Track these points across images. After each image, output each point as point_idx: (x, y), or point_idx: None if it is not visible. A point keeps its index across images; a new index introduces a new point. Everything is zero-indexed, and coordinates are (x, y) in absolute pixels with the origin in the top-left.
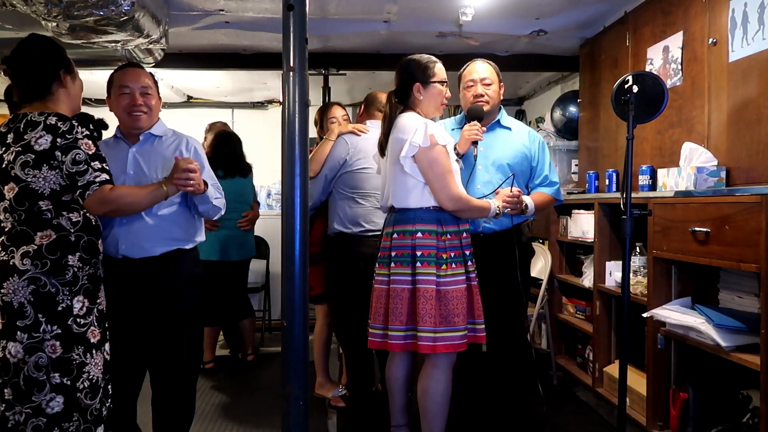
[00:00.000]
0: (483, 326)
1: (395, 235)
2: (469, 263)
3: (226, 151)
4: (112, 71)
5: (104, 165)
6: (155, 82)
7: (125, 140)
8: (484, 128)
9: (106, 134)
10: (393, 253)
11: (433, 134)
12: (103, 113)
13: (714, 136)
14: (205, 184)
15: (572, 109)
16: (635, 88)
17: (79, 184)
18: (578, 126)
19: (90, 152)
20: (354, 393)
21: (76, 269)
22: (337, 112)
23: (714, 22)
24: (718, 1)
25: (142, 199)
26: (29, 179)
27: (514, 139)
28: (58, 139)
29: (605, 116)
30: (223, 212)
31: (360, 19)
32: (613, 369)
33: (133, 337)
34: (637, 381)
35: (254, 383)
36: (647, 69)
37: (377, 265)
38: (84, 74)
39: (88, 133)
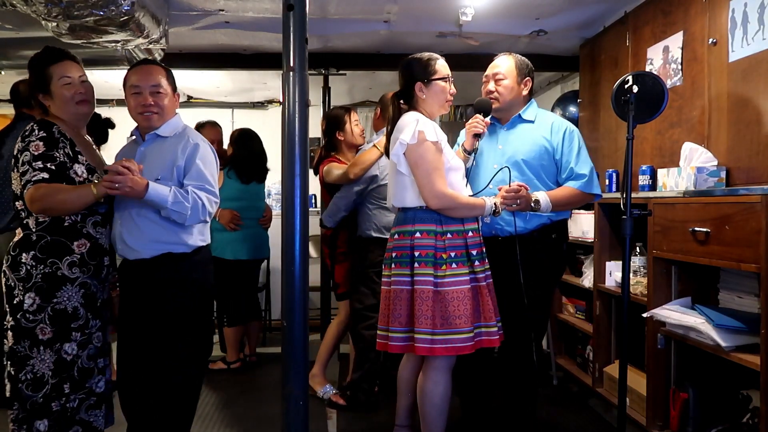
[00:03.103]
0: (496, 329)
1: (396, 236)
2: (477, 263)
3: (244, 155)
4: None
5: (48, 164)
6: (169, 78)
7: (141, 137)
8: (488, 121)
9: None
10: (394, 254)
11: (422, 131)
12: (102, 113)
13: (714, 136)
14: (147, 187)
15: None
16: (635, 88)
17: (22, 184)
18: (578, 126)
19: (36, 153)
20: (360, 392)
21: (29, 267)
22: (356, 116)
23: (714, 22)
24: (718, 1)
25: (68, 198)
26: (13, 181)
27: (534, 133)
28: (21, 143)
29: (605, 116)
30: (198, 218)
31: (360, 19)
32: (613, 369)
33: (130, 336)
34: (637, 381)
35: (254, 383)
36: (647, 69)
37: (383, 266)
38: None
39: (44, 134)
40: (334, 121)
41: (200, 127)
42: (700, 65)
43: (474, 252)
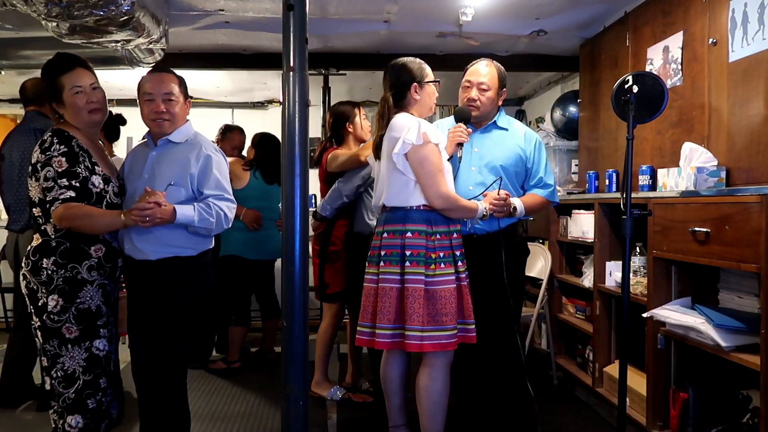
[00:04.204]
0: (473, 326)
1: (385, 234)
2: (459, 263)
3: (267, 157)
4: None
5: (72, 182)
6: (182, 85)
7: (153, 143)
8: (470, 130)
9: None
10: (382, 252)
11: (426, 132)
12: None
13: (714, 136)
14: (174, 212)
15: (572, 109)
16: (635, 88)
17: (47, 199)
18: (578, 126)
19: (60, 169)
20: (376, 390)
21: (50, 271)
22: (363, 111)
23: (714, 22)
24: (718, 1)
25: (97, 224)
26: (29, 188)
27: (510, 141)
28: (41, 155)
29: (605, 116)
30: (222, 228)
31: (360, 19)
32: (613, 369)
33: (137, 335)
34: (637, 381)
35: (254, 383)
36: (647, 69)
37: (367, 264)
38: None
39: (65, 150)
40: (343, 114)
41: (228, 130)
42: (700, 65)
43: (458, 252)
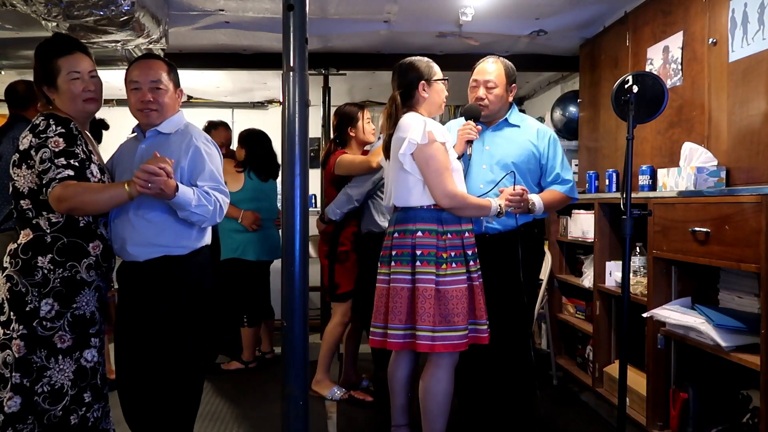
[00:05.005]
0: (486, 327)
1: (396, 234)
2: (471, 263)
3: (258, 153)
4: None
5: (71, 161)
6: (171, 73)
7: (142, 134)
8: (480, 127)
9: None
10: (393, 252)
11: (431, 131)
12: (103, 113)
13: (714, 136)
14: (177, 188)
15: (572, 109)
16: (635, 88)
17: (43, 182)
18: (578, 126)
19: (57, 149)
20: (379, 389)
21: (46, 271)
22: (368, 114)
23: (714, 22)
24: (718, 1)
25: (100, 198)
26: (15, 178)
27: (521, 137)
28: (34, 138)
29: (605, 116)
30: (215, 220)
31: (360, 19)
32: (613, 369)
33: (126, 338)
34: (637, 381)
35: (255, 383)
36: (647, 69)
37: (379, 264)
38: None
39: (63, 131)
40: (347, 116)
41: (213, 127)
42: (700, 65)
43: (469, 252)
